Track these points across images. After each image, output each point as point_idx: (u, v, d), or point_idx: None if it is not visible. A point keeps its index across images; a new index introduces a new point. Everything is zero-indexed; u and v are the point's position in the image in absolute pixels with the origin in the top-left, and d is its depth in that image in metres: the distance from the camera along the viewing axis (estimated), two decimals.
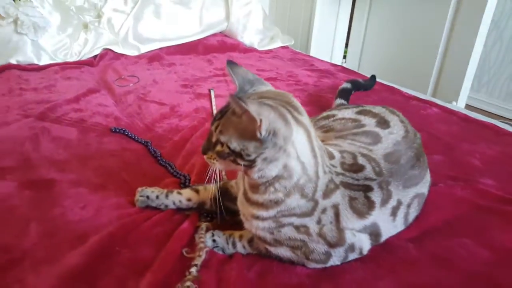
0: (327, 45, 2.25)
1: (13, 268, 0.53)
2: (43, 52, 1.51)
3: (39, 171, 0.78)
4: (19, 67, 1.42)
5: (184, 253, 0.58)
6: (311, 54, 2.05)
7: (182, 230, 0.62)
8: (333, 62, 1.84)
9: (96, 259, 0.55)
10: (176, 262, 0.56)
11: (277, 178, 0.53)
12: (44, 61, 1.50)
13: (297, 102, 0.57)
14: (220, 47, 1.87)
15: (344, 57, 2.39)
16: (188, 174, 0.83)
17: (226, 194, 0.67)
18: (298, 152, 0.53)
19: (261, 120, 0.49)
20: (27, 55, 1.47)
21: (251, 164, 0.52)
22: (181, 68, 1.59)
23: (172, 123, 1.11)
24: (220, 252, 0.60)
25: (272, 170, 0.52)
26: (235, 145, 0.52)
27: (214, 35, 1.92)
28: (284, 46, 1.99)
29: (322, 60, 1.81)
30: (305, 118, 0.56)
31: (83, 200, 0.69)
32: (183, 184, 0.80)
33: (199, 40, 1.85)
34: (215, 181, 0.56)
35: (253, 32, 1.95)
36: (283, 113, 0.52)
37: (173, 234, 0.61)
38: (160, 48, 1.75)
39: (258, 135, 0.50)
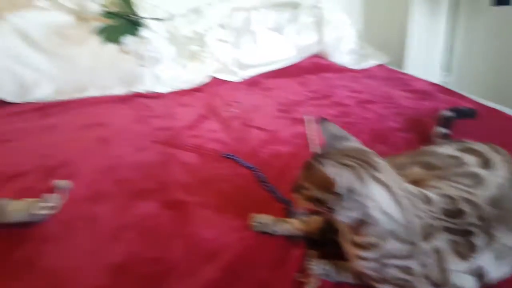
0: (423, 62, 2.19)
1: (164, 279, 0.68)
2: (160, 81, 1.74)
3: (173, 193, 0.94)
4: (143, 95, 1.67)
5: (297, 278, 0.67)
6: (406, 72, 2.03)
7: (294, 256, 0.72)
8: (431, 80, 1.80)
9: (228, 274, 0.68)
10: (290, 285, 0.66)
11: (364, 223, 0.60)
12: (161, 89, 1.73)
13: (377, 160, 0.64)
14: (313, 68, 1.95)
15: (444, 73, 2.30)
16: (292, 200, 0.93)
17: (331, 228, 0.75)
18: (379, 205, 0.60)
19: (335, 179, 0.58)
20: (146, 84, 1.72)
21: (332, 211, 0.61)
22: (277, 92, 1.70)
23: (273, 148, 1.21)
24: (329, 279, 0.68)
25: (354, 217, 0.60)
26: (316, 193, 0.62)
27: (307, 57, 2.02)
28: (378, 64, 2.01)
29: (419, 79, 1.80)
30: (383, 175, 0.62)
31: (210, 220, 0.83)
32: (288, 210, 0.89)
33: (293, 63, 1.97)
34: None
35: (345, 52, 2.01)
36: (359, 172, 0.61)
37: (286, 259, 0.72)
38: (259, 74, 1.90)
39: (335, 190, 0.59)
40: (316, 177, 0.61)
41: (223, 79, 1.84)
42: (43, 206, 0.81)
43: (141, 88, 1.70)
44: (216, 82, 1.82)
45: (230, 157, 1.15)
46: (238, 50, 1.91)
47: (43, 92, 1.60)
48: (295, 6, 2.00)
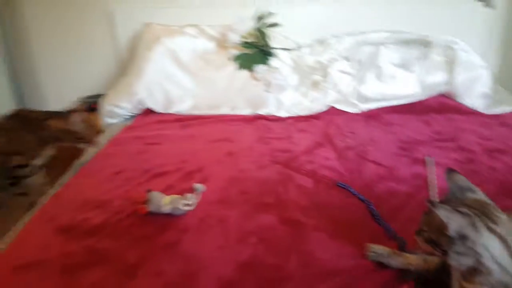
0: None
1: (282, 285, 0.76)
2: (282, 106, 1.87)
3: (290, 211, 1.02)
4: (265, 118, 1.80)
5: None
6: None
7: None
8: None
9: None
10: None
11: (477, 272, 0.61)
12: (282, 113, 1.85)
13: (497, 213, 0.65)
14: (439, 108, 1.87)
15: None
16: (404, 238, 0.93)
17: (444, 270, 0.74)
18: (492, 256, 0.61)
19: (447, 222, 0.61)
20: (270, 108, 1.86)
21: (445, 254, 0.64)
22: (398, 129, 1.68)
23: (388, 185, 1.21)
24: None
25: (466, 263, 0.62)
26: (432, 235, 0.66)
27: (433, 96, 1.95)
28: None
29: None
30: (501, 228, 0.63)
31: (325, 243, 0.89)
32: (401, 247, 0.90)
33: (417, 100, 1.92)
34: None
35: (477, 95, 1.89)
36: (474, 221, 0.63)
37: None
38: (379, 108, 1.90)
39: (448, 234, 0.62)
40: (432, 220, 0.65)
41: (341, 109, 1.89)
42: (184, 203, 0.96)
43: (265, 111, 1.85)
44: (334, 112, 1.87)
45: (344, 186, 1.19)
46: (360, 83, 1.94)
47: (184, 106, 1.86)
48: (426, 44, 1.96)
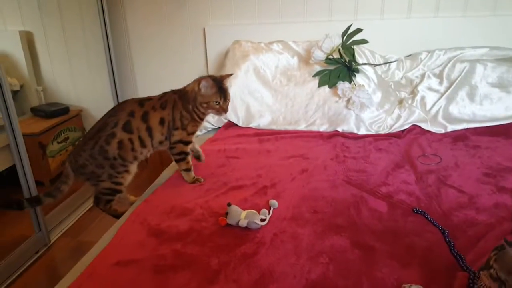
0: None
1: None
2: (362, 124, 1.86)
3: (362, 235, 1.04)
4: (343, 135, 1.82)
5: None
6: None
7: None
8: None
9: None
10: None
11: None
12: (361, 131, 1.85)
13: None
14: None
15: None
16: (476, 272, 0.89)
17: None
18: None
19: None
20: (350, 125, 1.86)
21: None
22: (486, 153, 1.57)
23: (468, 214, 1.15)
24: None
25: None
26: (500, 274, 0.65)
27: None
28: None
29: None
30: None
31: (397, 272, 0.90)
32: (471, 280, 0.87)
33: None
34: None
35: None
36: None
37: None
38: (467, 128, 1.80)
39: None
40: (505, 258, 0.64)
41: (426, 129, 1.82)
42: (260, 218, 1.04)
43: (344, 128, 1.86)
44: (417, 131, 1.81)
45: (420, 213, 1.16)
46: (450, 102, 1.85)
47: (264, 121, 1.96)
48: None
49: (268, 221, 1.08)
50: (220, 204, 1.18)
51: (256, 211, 1.07)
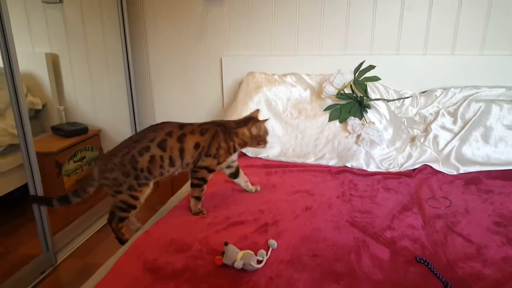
0: None
1: None
2: (372, 160, 1.84)
3: (361, 285, 1.01)
4: (352, 171, 1.79)
5: None
6: None
7: None
8: None
9: None
10: None
11: None
12: (371, 168, 1.82)
13: None
14: None
15: None
16: None
17: None
18: None
19: None
20: (359, 161, 1.84)
21: None
22: (499, 199, 1.52)
23: (474, 267, 1.10)
24: None
25: None
26: None
27: None
28: None
29: None
30: None
31: None
32: None
33: None
34: None
35: None
36: None
37: None
38: (480, 171, 1.75)
39: None
40: None
41: (438, 170, 1.79)
42: (256, 260, 1.03)
43: (353, 164, 1.84)
44: (428, 171, 1.77)
45: (424, 262, 1.13)
46: (463, 142, 1.81)
47: (273, 152, 1.97)
48: None
49: (265, 263, 1.07)
50: (219, 240, 1.17)
51: (253, 252, 1.06)
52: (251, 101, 2.06)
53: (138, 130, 2.75)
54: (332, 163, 1.88)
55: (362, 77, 1.93)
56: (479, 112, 1.86)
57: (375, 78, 1.92)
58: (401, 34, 2.20)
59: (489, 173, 1.73)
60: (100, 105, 2.71)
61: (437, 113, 2.00)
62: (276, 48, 2.39)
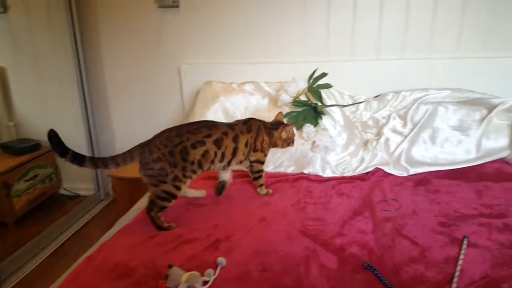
0: None
1: None
2: (327, 166, 1.87)
3: None
4: (308, 178, 1.81)
5: None
6: None
7: None
8: None
9: None
10: None
11: None
12: (327, 173, 1.86)
13: None
14: (496, 175, 1.73)
15: None
16: None
17: None
18: None
19: None
20: (315, 167, 1.87)
21: None
22: (446, 198, 1.58)
23: (417, 270, 1.13)
24: None
25: None
26: None
27: (491, 161, 1.82)
28: None
29: None
30: None
31: None
32: None
33: (472, 166, 1.80)
34: None
35: None
36: None
37: None
38: (429, 172, 1.81)
39: None
40: None
41: (389, 172, 1.84)
42: (202, 280, 1.02)
43: (310, 170, 1.87)
44: (380, 174, 1.82)
45: (370, 269, 1.14)
46: (412, 144, 1.88)
47: None
48: (488, 105, 1.85)
49: (212, 283, 1.06)
50: (167, 262, 1.14)
51: (198, 274, 1.06)
52: (208, 111, 2.05)
53: (94, 143, 2.69)
54: (290, 170, 1.90)
55: (316, 85, 1.96)
56: (426, 115, 1.93)
57: (327, 86, 1.96)
58: (354, 41, 2.25)
59: (437, 173, 1.80)
60: (54, 120, 2.63)
61: (389, 117, 2.06)
62: (236, 55, 2.39)
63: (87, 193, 2.87)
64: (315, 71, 1.96)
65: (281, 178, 1.83)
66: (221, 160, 1.54)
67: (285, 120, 1.81)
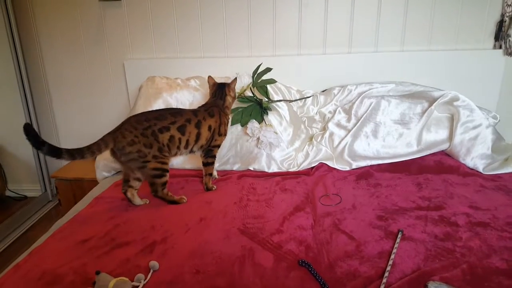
0: None
1: None
2: (273, 162, 1.87)
3: None
4: (252, 174, 1.81)
5: None
6: None
7: None
8: None
9: None
10: None
11: None
12: (272, 169, 1.86)
13: None
14: (436, 167, 1.80)
15: None
16: None
17: None
18: None
19: None
20: (261, 164, 1.87)
21: None
22: (385, 191, 1.61)
23: (351, 265, 1.14)
24: None
25: None
26: None
27: (432, 154, 1.87)
28: None
29: None
30: None
31: None
32: None
33: (413, 159, 1.85)
34: None
35: (477, 155, 1.80)
36: None
37: None
38: (372, 165, 1.85)
39: None
40: None
41: (332, 167, 1.86)
42: (133, 286, 0.99)
43: (255, 167, 1.86)
44: (325, 168, 1.84)
45: (305, 266, 1.14)
46: (355, 139, 1.90)
47: (176, 161, 1.92)
48: (432, 101, 1.90)
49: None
50: (98, 267, 1.11)
51: (127, 279, 1.02)
52: (150, 107, 1.99)
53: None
54: (236, 167, 1.89)
55: (260, 80, 1.95)
56: (369, 109, 1.96)
57: (271, 81, 1.95)
58: (301, 35, 2.25)
59: (379, 167, 1.84)
60: None
61: (334, 111, 2.07)
62: (181, 50, 2.33)
63: (34, 194, 2.74)
64: (259, 66, 1.95)
65: (226, 175, 1.81)
66: (186, 147, 1.62)
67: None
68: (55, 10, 2.34)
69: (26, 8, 2.36)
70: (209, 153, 1.69)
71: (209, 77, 1.83)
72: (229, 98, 1.79)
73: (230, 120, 1.84)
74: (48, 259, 1.19)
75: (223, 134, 1.73)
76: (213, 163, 1.71)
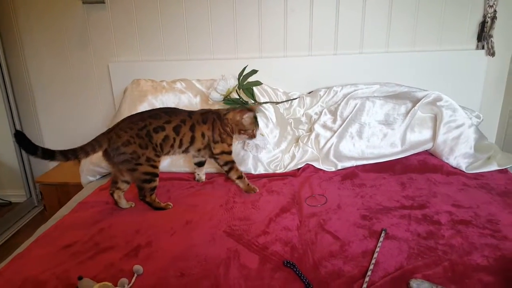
0: None
1: None
2: (260, 164, 1.87)
3: None
4: None
5: None
6: None
7: None
8: None
9: None
10: None
11: None
12: (259, 170, 1.86)
13: None
14: (420, 167, 1.82)
15: None
16: None
17: None
18: None
19: None
20: (248, 166, 1.87)
21: None
22: (370, 191, 1.63)
23: (335, 265, 1.15)
24: None
25: None
26: None
27: (416, 154, 1.90)
28: (502, 170, 1.77)
29: None
30: None
31: None
32: None
33: (398, 159, 1.87)
34: None
35: (461, 154, 1.82)
36: None
37: None
38: (356, 166, 1.87)
39: None
40: None
41: (318, 168, 1.87)
42: None
43: (242, 169, 1.85)
44: (311, 169, 1.85)
45: (290, 266, 1.15)
46: (340, 139, 1.92)
47: (163, 164, 1.90)
48: (415, 101, 1.92)
49: None
50: (81, 272, 1.09)
51: (111, 284, 1.01)
52: (135, 110, 1.97)
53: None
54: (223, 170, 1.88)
55: (246, 82, 1.95)
56: (354, 110, 1.97)
57: (257, 83, 1.95)
58: (286, 37, 2.26)
59: (364, 167, 1.86)
60: None
61: (320, 113, 2.09)
62: (166, 52, 2.33)
63: (19, 199, 2.70)
64: (244, 68, 1.95)
65: (214, 178, 1.81)
66: (180, 146, 1.61)
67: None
68: (38, 14, 2.32)
69: (8, 12, 2.33)
70: (219, 162, 1.69)
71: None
72: (231, 115, 1.69)
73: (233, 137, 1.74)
74: (30, 266, 1.17)
75: (219, 142, 1.67)
76: (231, 168, 1.68)
